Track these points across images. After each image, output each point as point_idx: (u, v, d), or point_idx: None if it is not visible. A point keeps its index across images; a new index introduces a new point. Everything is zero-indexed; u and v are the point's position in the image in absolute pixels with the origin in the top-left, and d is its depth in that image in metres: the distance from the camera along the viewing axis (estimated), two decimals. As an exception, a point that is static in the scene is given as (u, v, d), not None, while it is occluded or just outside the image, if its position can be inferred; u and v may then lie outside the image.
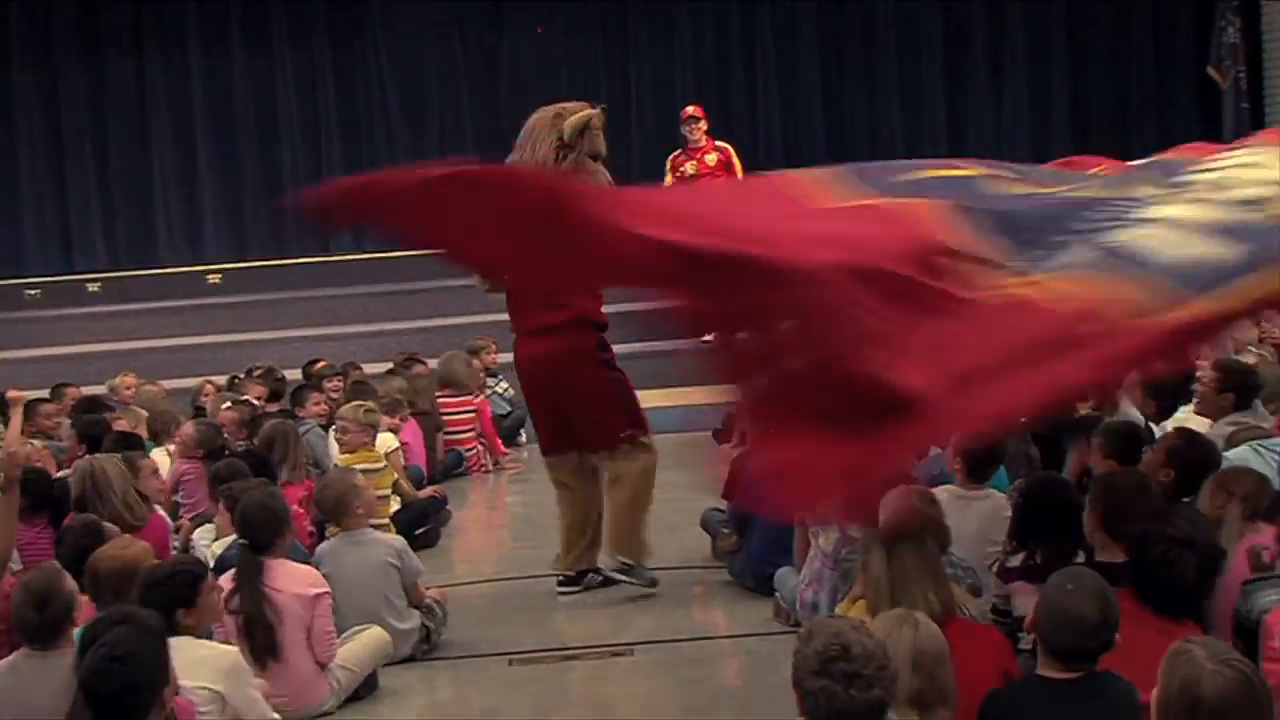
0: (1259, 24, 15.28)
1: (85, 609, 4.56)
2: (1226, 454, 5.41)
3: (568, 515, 7.06)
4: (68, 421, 8.56)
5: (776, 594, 6.36)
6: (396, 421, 9.18)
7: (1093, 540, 4.83)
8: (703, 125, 12.82)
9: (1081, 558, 4.82)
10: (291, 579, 5.54)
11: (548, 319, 6.77)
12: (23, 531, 5.85)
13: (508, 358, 7.60)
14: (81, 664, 3.71)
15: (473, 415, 10.36)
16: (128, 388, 10.30)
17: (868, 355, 3.85)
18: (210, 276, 15.31)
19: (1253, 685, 3.00)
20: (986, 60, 16.46)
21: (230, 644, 5.16)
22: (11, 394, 7.32)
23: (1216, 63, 15.18)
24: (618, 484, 6.86)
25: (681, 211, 4.42)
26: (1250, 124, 14.33)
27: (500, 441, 10.64)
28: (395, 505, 8.02)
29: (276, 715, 4.95)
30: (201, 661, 4.60)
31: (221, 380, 10.55)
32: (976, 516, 5.53)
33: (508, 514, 9.91)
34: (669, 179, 12.43)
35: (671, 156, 12.84)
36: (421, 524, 8.17)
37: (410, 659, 6.14)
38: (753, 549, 6.74)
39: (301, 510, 6.87)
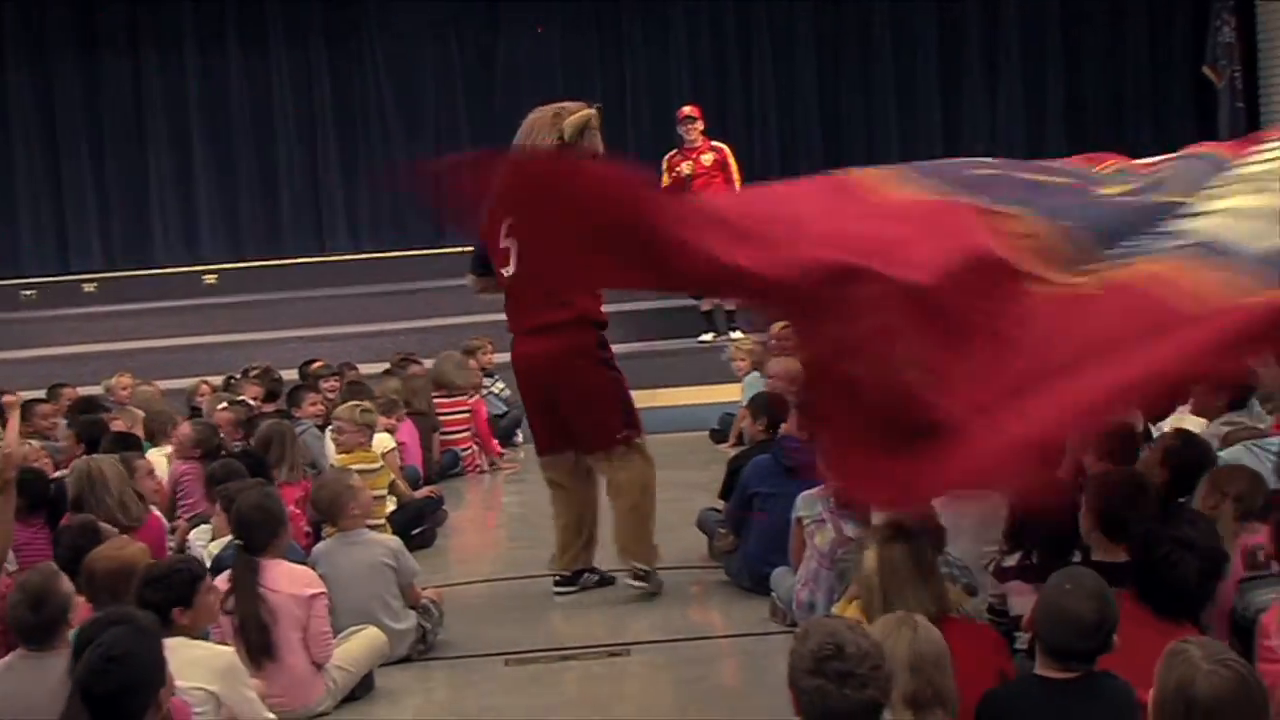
0: (1254, 23, 15.31)
1: (81, 609, 4.55)
2: (1221, 454, 5.41)
3: (563, 515, 7.05)
4: (64, 422, 8.56)
5: (773, 594, 6.36)
6: (393, 422, 9.18)
7: (1088, 540, 4.82)
8: (699, 125, 12.83)
9: (1078, 557, 4.83)
10: (287, 579, 5.54)
11: (549, 317, 6.72)
12: (19, 532, 5.86)
13: (504, 358, 7.58)
14: (77, 664, 3.69)
15: (468, 415, 10.35)
16: (124, 388, 10.29)
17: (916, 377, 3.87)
18: (206, 277, 15.33)
19: (1248, 685, 3.00)
20: (982, 59, 16.48)
21: (226, 644, 5.16)
22: (7, 398, 7.32)
23: (1212, 62, 15.21)
24: (618, 493, 6.86)
25: (754, 229, 4.40)
26: (1246, 123, 14.35)
27: (496, 441, 10.62)
28: (391, 505, 8.02)
29: (272, 716, 4.95)
30: (197, 662, 4.59)
31: (218, 380, 10.54)
32: (972, 516, 5.53)
33: (504, 514, 9.90)
34: (665, 179, 12.42)
35: (667, 157, 12.83)
36: (418, 524, 8.16)
37: (406, 659, 6.13)
38: (749, 549, 6.74)
39: (298, 510, 6.87)
